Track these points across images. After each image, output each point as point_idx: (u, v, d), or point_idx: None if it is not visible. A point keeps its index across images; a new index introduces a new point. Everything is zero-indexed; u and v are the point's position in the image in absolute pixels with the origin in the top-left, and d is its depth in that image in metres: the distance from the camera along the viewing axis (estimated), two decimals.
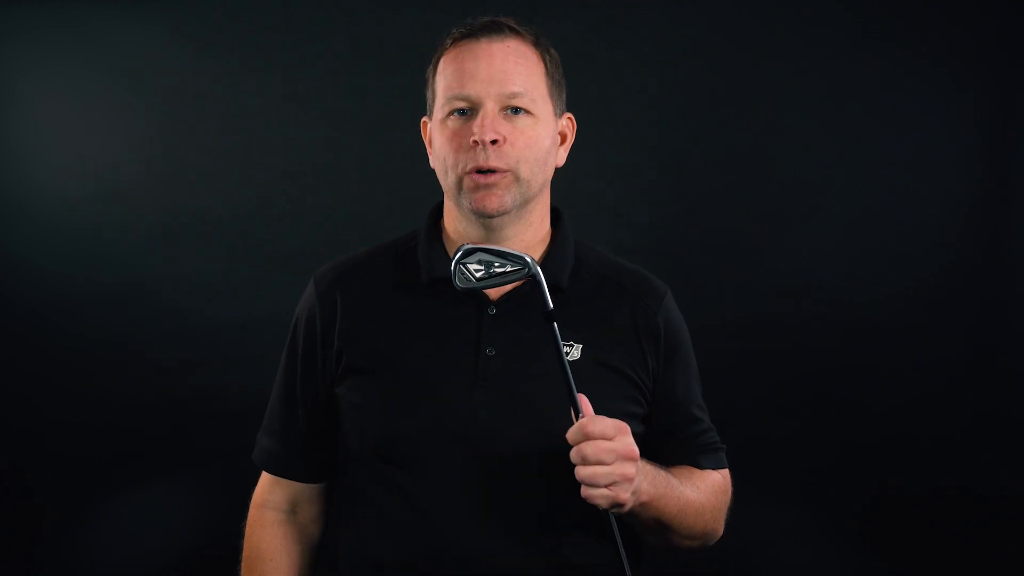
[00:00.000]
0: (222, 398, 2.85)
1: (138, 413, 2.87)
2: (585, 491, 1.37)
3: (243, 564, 1.63)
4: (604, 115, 2.74)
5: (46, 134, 2.90)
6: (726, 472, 1.67)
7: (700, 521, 1.57)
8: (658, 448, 1.60)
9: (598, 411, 1.44)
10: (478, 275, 1.39)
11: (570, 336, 1.52)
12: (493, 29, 1.53)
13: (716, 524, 1.62)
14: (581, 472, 1.37)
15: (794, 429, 2.86)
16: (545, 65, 1.55)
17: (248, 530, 1.64)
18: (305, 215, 2.89)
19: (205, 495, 2.87)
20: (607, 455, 1.36)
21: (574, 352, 1.52)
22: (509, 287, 1.53)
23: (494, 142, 1.48)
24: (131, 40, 2.87)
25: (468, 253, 1.39)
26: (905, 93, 2.85)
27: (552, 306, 1.40)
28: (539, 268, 1.40)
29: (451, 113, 1.52)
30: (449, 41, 1.55)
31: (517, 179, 1.50)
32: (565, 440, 1.41)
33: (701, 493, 1.57)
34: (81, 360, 2.87)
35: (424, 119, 1.62)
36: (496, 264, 1.39)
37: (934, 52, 2.85)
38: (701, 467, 1.63)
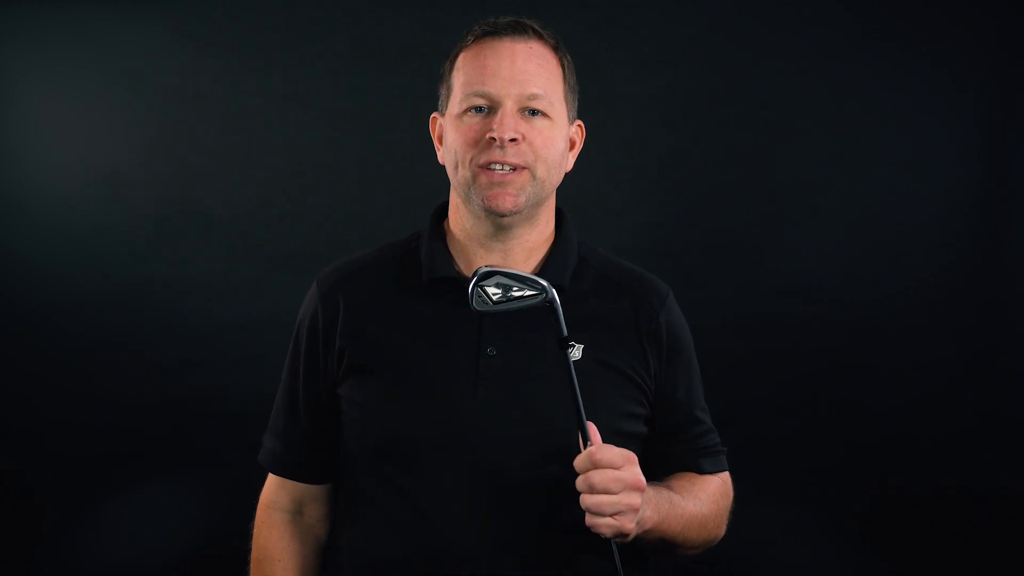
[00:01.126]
0: (222, 398, 2.85)
1: (138, 413, 2.87)
2: (590, 519, 1.37)
3: (252, 565, 1.63)
4: (604, 115, 2.71)
5: (46, 134, 2.90)
6: (727, 475, 1.67)
7: (703, 532, 1.58)
8: (660, 450, 1.60)
9: (600, 410, 1.45)
10: (495, 298, 1.38)
11: (573, 336, 1.51)
12: (517, 29, 1.52)
13: (718, 530, 1.63)
14: (587, 500, 1.37)
15: (794, 429, 2.86)
16: (563, 70, 1.56)
17: (256, 531, 1.64)
18: (305, 215, 2.89)
19: (205, 495, 2.88)
20: (614, 484, 1.36)
21: (576, 352, 1.52)
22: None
23: (512, 140, 1.48)
24: (131, 40, 2.87)
25: (486, 276, 1.38)
26: (905, 93, 2.85)
27: (567, 333, 1.39)
28: (556, 295, 1.39)
29: (468, 110, 1.51)
30: (471, 38, 1.54)
31: (533, 178, 1.50)
32: (565, 440, 1.42)
33: (703, 504, 1.57)
34: (81, 360, 2.87)
35: (434, 115, 1.62)
36: (514, 288, 1.38)
37: (934, 52, 2.85)
38: (703, 471, 1.62)
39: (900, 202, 2.86)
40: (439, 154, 1.59)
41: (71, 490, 2.88)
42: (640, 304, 1.59)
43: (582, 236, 1.65)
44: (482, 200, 1.50)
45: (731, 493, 1.66)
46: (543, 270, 1.56)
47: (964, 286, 2.86)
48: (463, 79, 1.53)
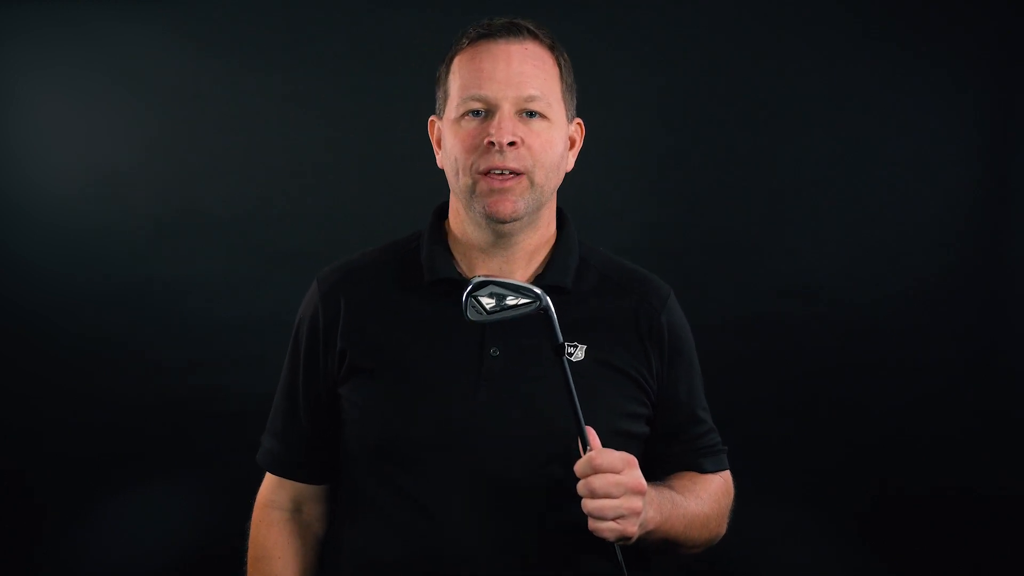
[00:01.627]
0: (222, 398, 2.85)
1: (138, 413, 2.87)
2: (592, 524, 1.38)
3: (249, 565, 1.63)
4: (604, 115, 2.72)
5: (46, 134, 2.89)
6: (727, 474, 1.67)
7: (706, 531, 1.58)
8: (661, 450, 1.61)
9: (601, 410, 1.45)
10: (489, 307, 1.38)
11: (574, 337, 1.52)
12: (512, 31, 1.51)
13: (720, 529, 1.63)
14: (588, 505, 1.37)
15: (794, 429, 2.86)
16: (560, 69, 1.55)
17: (253, 530, 1.64)
18: (305, 215, 2.89)
19: (205, 495, 2.87)
20: (615, 488, 1.37)
21: (578, 353, 1.52)
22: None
23: (511, 144, 1.47)
24: (131, 40, 2.87)
25: (480, 286, 1.37)
26: (905, 93, 2.85)
27: (562, 339, 1.39)
28: (550, 302, 1.39)
29: (466, 114, 1.50)
30: (466, 41, 1.53)
31: (532, 183, 1.49)
32: (566, 441, 1.42)
33: (705, 503, 1.57)
34: (81, 360, 2.87)
35: (432, 118, 1.61)
36: (508, 297, 1.38)
37: (934, 52, 2.85)
38: (704, 470, 1.63)
39: (900, 202, 2.86)
40: (438, 158, 1.59)
41: (71, 490, 2.88)
42: (641, 304, 1.59)
43: (581, 236, 1.65)
44: (483, 207, 1.49)
45: (732, 491, 1.67)
46: (545, 272, 1.56)
47: (964, 286, 2.86)
48: (459, 83, 1.52)
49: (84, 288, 2.88)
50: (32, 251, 2.89)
